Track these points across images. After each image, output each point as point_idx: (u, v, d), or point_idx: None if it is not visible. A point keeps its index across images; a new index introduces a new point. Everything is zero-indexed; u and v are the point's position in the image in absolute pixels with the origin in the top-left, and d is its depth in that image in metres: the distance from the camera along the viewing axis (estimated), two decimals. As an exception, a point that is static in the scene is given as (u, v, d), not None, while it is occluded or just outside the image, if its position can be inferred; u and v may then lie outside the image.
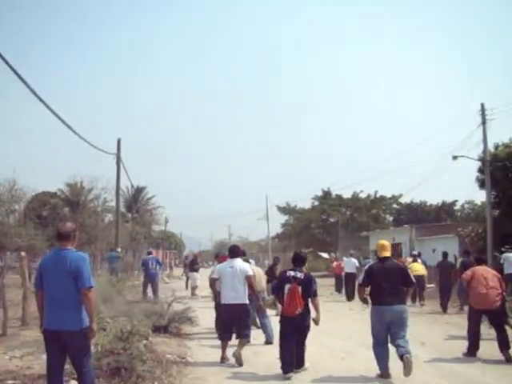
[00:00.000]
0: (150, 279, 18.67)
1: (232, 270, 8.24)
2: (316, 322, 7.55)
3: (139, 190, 51.33)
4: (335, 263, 25.29)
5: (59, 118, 14.37)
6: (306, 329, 7.47)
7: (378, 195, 50.57)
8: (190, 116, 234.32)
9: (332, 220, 50.78)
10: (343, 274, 22.22)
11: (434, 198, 52.48)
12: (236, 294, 8.16)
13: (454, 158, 25.02)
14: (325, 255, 52.18)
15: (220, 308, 8.81)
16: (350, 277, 20.71)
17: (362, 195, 51.01)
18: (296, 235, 52.14)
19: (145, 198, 54.34)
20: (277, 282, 7.85)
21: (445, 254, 16.65)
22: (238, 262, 8.39)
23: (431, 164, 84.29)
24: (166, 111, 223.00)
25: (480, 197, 26.94)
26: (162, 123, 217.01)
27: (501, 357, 8.46)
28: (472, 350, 8.83)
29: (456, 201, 52.92)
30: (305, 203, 54.85)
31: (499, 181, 24.32)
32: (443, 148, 74.65)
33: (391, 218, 53.35)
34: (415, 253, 19.84)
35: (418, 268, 17.35)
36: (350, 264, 21.72)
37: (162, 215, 59.32)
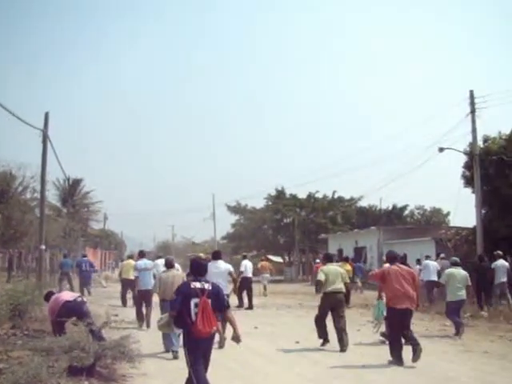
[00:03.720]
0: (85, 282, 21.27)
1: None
2: (237, 339, 6.04)
3: (76, 182, 46.30)
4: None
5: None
6: (210, 353, 5.99)
7: (336, 196, 47.57)
8: (129, 103, 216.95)
9: (286, 221, 47.37)
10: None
11: (405, 200, 50.68)
12: None
13: (441, 150, 22.18)
14: (276, 259, 48.91)
15: None
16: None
17: (319, 195, 47.92)
18: (248, 236, 48.37)
19: (82, 191, 49.19)
20: (177, 297, 5.96)
21: (481, 257, 17.21)
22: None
23: (401, 161, 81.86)
24: (104, 95, 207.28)
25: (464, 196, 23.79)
26: (99, 108, 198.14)
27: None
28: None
29: (407, 205, 51.87)
30: (255, 202, 51.36)
31: (491, 177, 21.44)
32: (418, 143, 71.19)
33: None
34: (346, 256, 22.81)
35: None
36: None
37: (100, 211, 54.35)
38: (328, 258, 11.18)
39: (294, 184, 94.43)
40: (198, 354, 5.78)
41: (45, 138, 20.72)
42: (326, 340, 10.36)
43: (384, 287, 9.28)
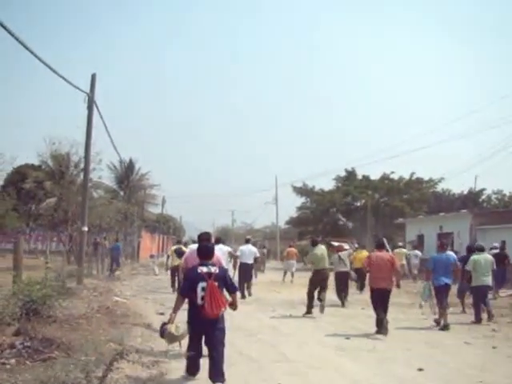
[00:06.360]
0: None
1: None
2: (235, 306, 6.33)
3: (131, 162, 44.11)
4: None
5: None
6: (223, 332, 6.08)
7: (414, 177, 43.16)
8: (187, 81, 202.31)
9: (357, 204, 43.54)
10: None
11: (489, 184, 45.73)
12: None
13: None
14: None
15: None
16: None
17: (394, 176, 43.79)
18: (315, 221, 44.70)
19: (139, 172, 46.86)
20: (185, 282, 6.24)
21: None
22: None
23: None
24: (160, 74, 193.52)
25: None
26: (154, 86, 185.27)
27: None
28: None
29: (484, 189, 46.63)
30: (321, 183, 47.58)
31: None
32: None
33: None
34: (357, 244, 24.23)
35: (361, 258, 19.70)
36: None
37: (158, 195, 52.03)
38: (313, 243, 13.90)
39: (364, 163, 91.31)
40: (199, 332, 5.98)
41: (90, 103, 18.13)
42: (309, 312, 12.61)
43: (369, 270, 10.68)
